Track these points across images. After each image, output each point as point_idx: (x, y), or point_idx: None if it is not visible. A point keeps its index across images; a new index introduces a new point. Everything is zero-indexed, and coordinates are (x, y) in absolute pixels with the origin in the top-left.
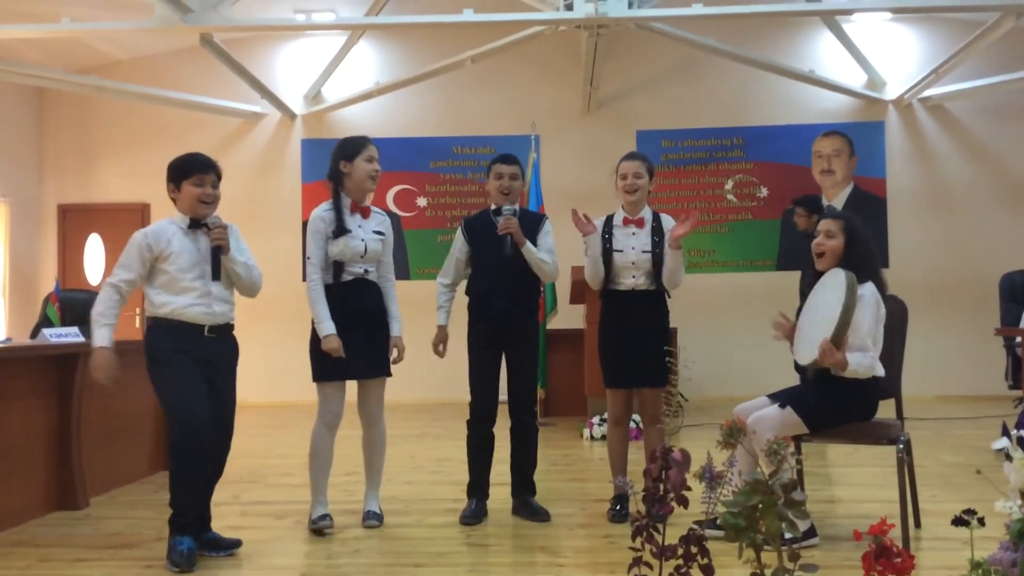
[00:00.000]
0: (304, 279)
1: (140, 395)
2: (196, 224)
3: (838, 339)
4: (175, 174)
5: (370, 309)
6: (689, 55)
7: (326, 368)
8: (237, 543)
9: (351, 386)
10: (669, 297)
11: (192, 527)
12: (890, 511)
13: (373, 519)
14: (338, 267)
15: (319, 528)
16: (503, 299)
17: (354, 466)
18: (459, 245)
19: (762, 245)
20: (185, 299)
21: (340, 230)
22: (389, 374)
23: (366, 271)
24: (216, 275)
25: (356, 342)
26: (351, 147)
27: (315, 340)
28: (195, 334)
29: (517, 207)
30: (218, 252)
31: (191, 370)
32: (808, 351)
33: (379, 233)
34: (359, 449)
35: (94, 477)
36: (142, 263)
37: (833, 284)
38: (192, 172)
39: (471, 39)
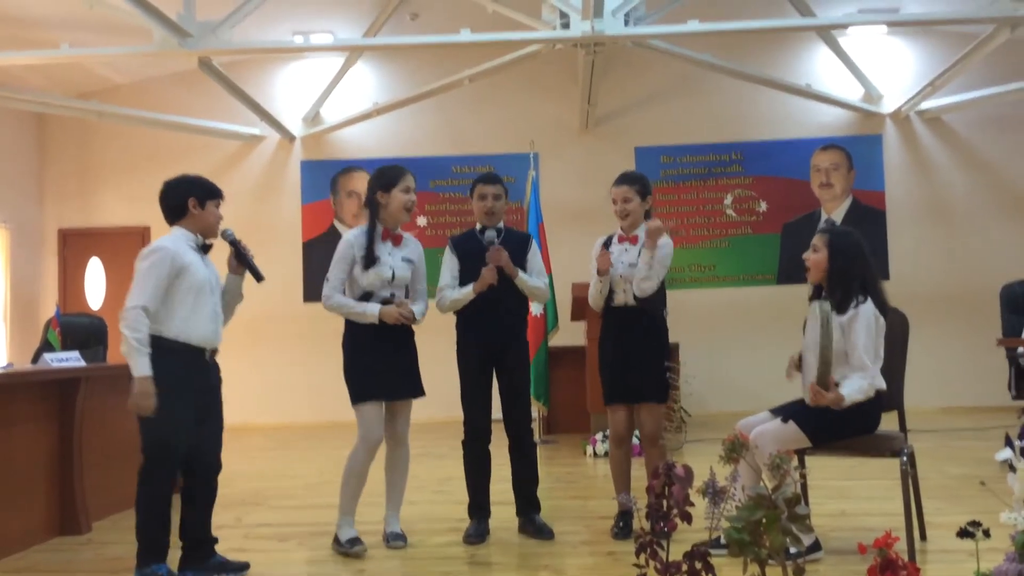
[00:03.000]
0: (305, 300)
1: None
2: (206, 247)
3: (823, 379)
4: (202, 191)
5: (399, 332)
6: (686, 71)
7: (362, 390)
8: (245, 566)
9: None
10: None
11: (164, 553)
12: (895, 524)
13: (399, 540)
14: (366, 296)
15: (350, 553)
16: (492, 318)
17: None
18: (451, 260)
19: (762, 260)
20: (196, 317)
21: (370, 260)
22: (422, 394)
23: (393, 295)
24: (259, 276)
25: (387, 363)
26: (389, 177)
27: (350, 363)
28: (196, 358)
29: (502, 226)
30: (251, 260)
31: (184, 401)
32: (807, 392)
33: (408, 261)
34: (373, 470)
35: (96, 502)
36: (168, 280)
37: (812, 323)
38: (216, 194)
39: (468, 59)
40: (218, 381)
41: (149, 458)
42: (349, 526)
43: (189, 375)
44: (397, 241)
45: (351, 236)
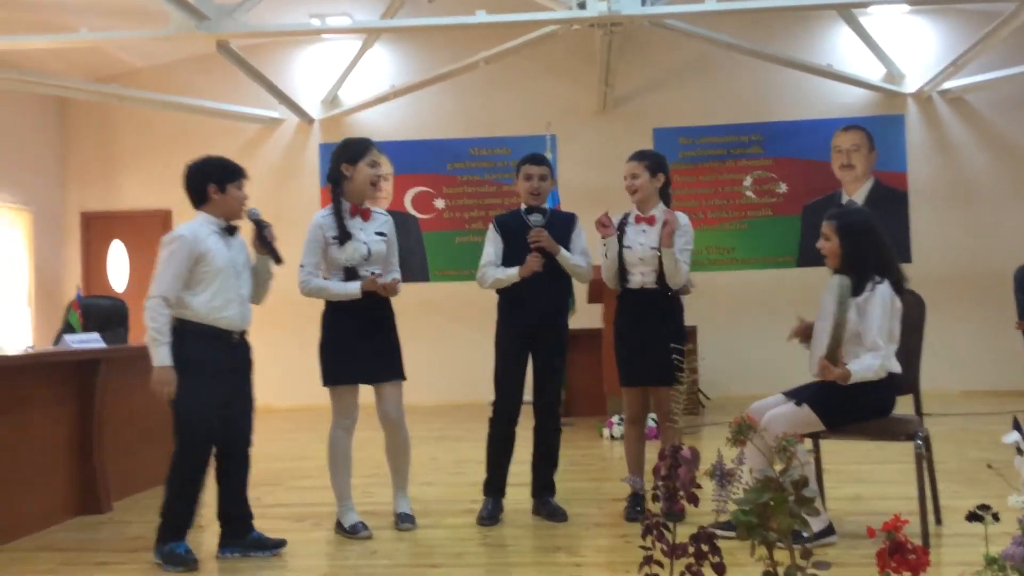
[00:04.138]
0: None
1: (160, 400)
2: (230, 229)
3: (832, 354)
4: (222, 174)
5: (378, 313)
6: (704, 51)
7: (335, 372)
8: (282, 543)
9: (367, 390)
10: (683, 295)
11: (184, 532)
12: (911, 508)
13: (407, 522)
14: (350, 273)
15: (357, 537)
16: (535, 301)
17: (373, 468)
18: (495, 238)
19: (782, 242)
20: (219, 301)
21: (344, 236)
22: (402, 377)
23: (373, 273)
24: (278, 259)
25: (364, 346)
26: (355, 149)
27: (324, 344)
28: (224, 340)
29: (548, 208)
30: (272, 243)
31: (215, 382)
32: (814, 364)
33: (381, 234)
34: (378, 451)
35: (116, 481)
36: (188, 268)
37: (828, 298)
38: (238, 176)
39: (485, 40)
40: (248, 362)
41: (180, 440)
42: (350, 510)
43: (216, 358)
44: (366, 216)
45: (318, 217)
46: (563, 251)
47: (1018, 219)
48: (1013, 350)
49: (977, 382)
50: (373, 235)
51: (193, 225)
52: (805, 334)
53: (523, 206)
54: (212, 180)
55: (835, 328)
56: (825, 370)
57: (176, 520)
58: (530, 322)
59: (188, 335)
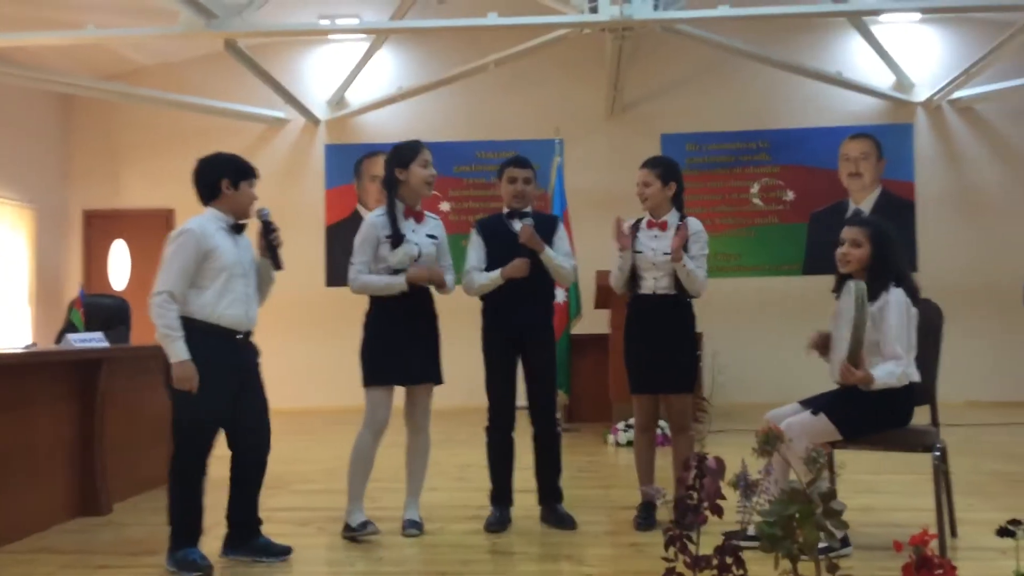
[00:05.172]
0: (327, 284)
1: (163, 401)
2: (238, 227)
3: (855, 358)
4: (236, 171)
5: (422, 314)
6: (714, 57)
7: (377, 373)
8: (288, 550)
9: (399, 391)
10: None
11: (197, 538)
12: (925, 519)
13: (413, 528)
14: (396, 274)
15: (363, 535)
16: (519, 306)
17: (380, 472)
18: (478, 242)
19: (788, 249)
20: (225, 300)
21: (397, 238)
22: (440, 381)
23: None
24: (279, 265)
25: (407, 348)
26: (406, 153)
27: (366, 344)
28: (227, 340)
29: (530, 210)
30: (276, 247)
31: (218, 384)
32: (836, 371)
33: (432, 237)
34: (387, 458)
35: (117, 483)
36: (195, 263)
37: (847, 302)
38: (251, 174)
39: (494, 43)
40: (255, 361)
41: (179, 441)
42: (359, 511)
43: (220, 357)
44: (419, 219)
45: (374, 217)
46: (548, 250)
47: None
48: (1020, 361)
49: (982, 393)
50: (424, 237)
51: (201, 220)
52: (823, 345)
53: (505, 210)
54: (226, 175)
55: (855, 330)
56: (848, 373)
57: (185, 525)
58: (517, 325)
59: (192, 333)
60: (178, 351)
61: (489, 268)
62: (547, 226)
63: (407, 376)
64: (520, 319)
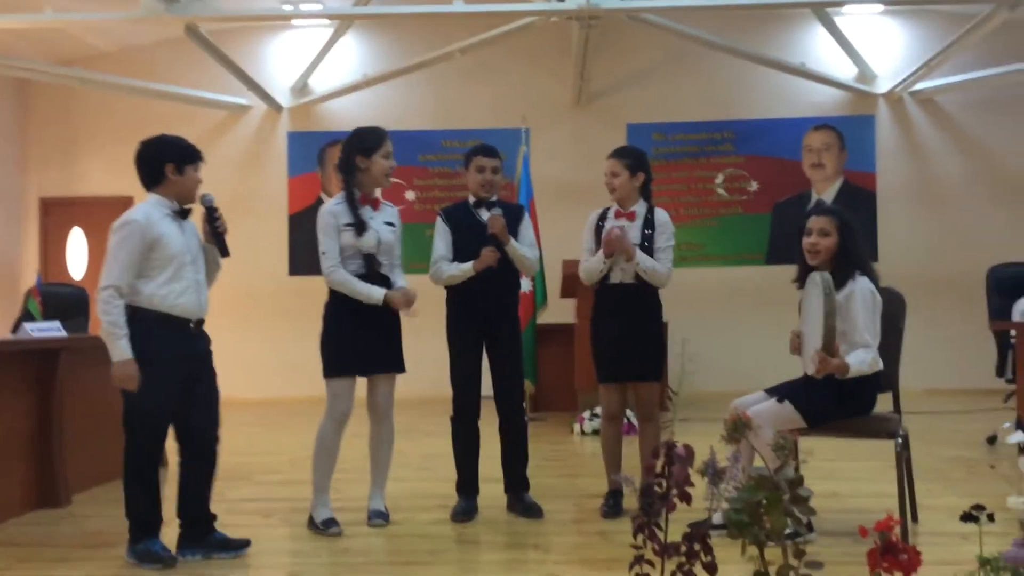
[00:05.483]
0: (290, 273)
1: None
2: (183, 212)
3: (828, 347)
4: (181, 155)
5: (384, 306)
6: (680, 48)
7: (338, 364)
8: (246, 543)
9: (360, 381)
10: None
11: (157, 529)
12: (887, 505)
13: (379, 518)
14: (366, 259)
15: (326, 535)
16: (486, 295)
17: (344, 463)
18: (445, 231)
19: (752, 239)
20: (176, 288)
21: (360, 226)
22: (402, 370)
23: (380, 264)
24: (225, 252)
25: (367, 338)
26: (370, 142)
27: (326, 335)
28: (179, 328)
29: (496, 199)
30: (222, 234)
31: (169, 374)
32: (810, 363)
33: (390, 224)
34: (351, 448)
35: (76, 474)
36: (141, 254)
37: (813, 292)
38: (196, 158)
39: (460, 31)
40: (207, 351)
41: (131, 431)
42: (324, 506)
43: (171, 346)
44: (376, 206)
45: (332, 206)
46: (513, 242)
47: (985, 221)
48: (977, 349)
49: (941, 381)
50: (383, 225)
51: (145, 208)
52: (796, 348)
53: (471, 199)
54: (170, 159)
55: (827, 318)
56: (823, 363)
57: (143, 517)
58: (483, 315)
59: (141, 323)
60: (121, 350)
61: (455, 257)
62: (513, 216)
63: (368, 366)
64: (487, 309)
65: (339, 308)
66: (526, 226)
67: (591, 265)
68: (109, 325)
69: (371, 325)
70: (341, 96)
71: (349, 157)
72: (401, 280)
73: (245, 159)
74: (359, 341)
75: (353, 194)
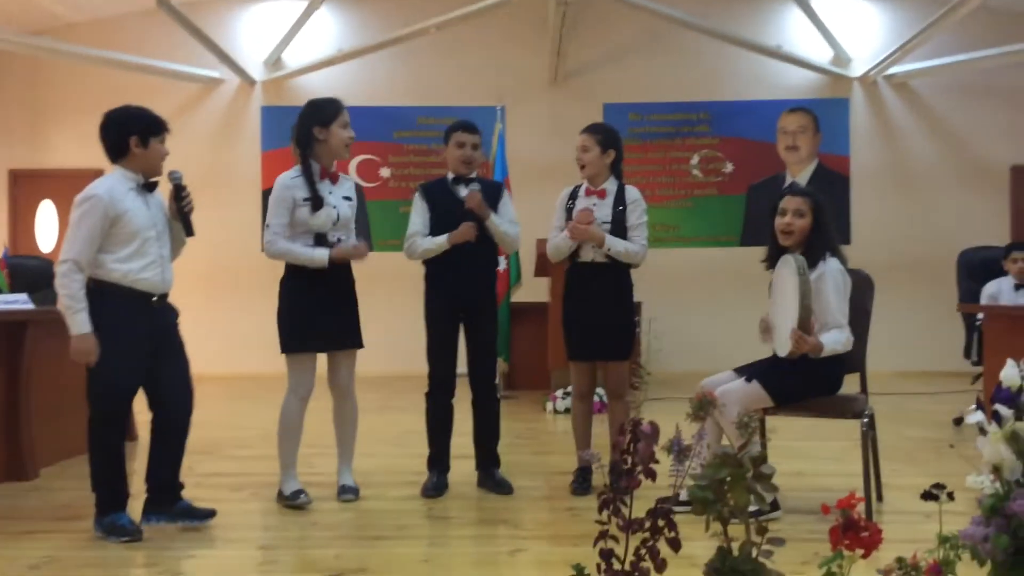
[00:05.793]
0: (263, 249)
1: None
2: (149, 185)
3: (804, 325)
4: (146, 127)
5: (339, 280)
6: (657, 28)
7: (294, 340)
8: (212, 513)
9: (321, 358)
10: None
11: (124, 502)
12: (853, 484)
13: (349, 493)
14: (319, 239)
15: (296, 504)
16: (463, 273)
17: (314, 438)
18: (422, 206)
19: (726, 221)
20: (139, 263)
21: (317, 202)
22: (360, 345)
23: (339, 240)
24: (190, 231)
25: (324, 314)
26: (327, 112)
27: (283, 312)
28: (142, 303)
29: (475, 175)
30: (188, 213)
31: (133, 348)
32: (783, 344)
33: (348, 199)
34: (321, 422)
35: (44, 447)
36: (102, 230)
37: (786, 273)
38: (161, 129)
39: (437, 6)
40: (172, 323)
41: (95, 405)
42: (292, 479)
43: (134, 319)
44: (334, 180)
45: (287, 179)
46: (493, 216)
47: (956, 205)
48: (947, 332)
49: (911, 363)
50: (341, 199)
51: (109, 182)
52: (767, 331)
53: (450, 175)
54: (134, 132)
55: (803, 298)
56: (800, 341)
57: (109, 490)
58: (460, 292)
59: (105, 297)
60: (80, 323)
61: (433, 234)
62: (493, 192)
63: (326, 342)
64: (464, 287)
65: (294, 284)
66: (505, 203)
67: (558, 243)
68: (67, 299)
69: (328, 302)
70: (315, 71)
71: (306, 129)
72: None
73: (218, 133)
74: (316, 317)
75: (310, 168)
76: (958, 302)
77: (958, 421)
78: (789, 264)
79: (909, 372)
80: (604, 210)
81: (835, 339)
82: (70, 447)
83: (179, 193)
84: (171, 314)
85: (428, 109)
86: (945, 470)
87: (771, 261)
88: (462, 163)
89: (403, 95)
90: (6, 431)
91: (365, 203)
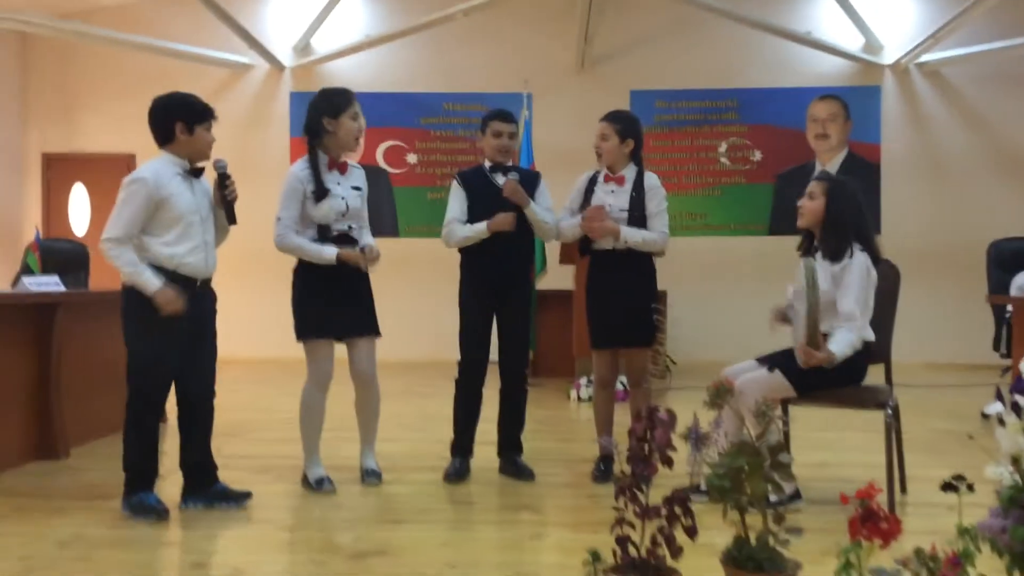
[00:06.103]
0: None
1: (121, 345)
2: (195, 171)
3: (812, 341)
4: (191, 114)
5: (353, 270)
6: (685, 14)
7: (309, 326)
8: (247, 495)
9: (340, 348)
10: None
11: (152, 482)
12: (876, 476)
13: (373, 476)
14: (323, 230)
15: (321, 491)
16: (498, 259)
17: (339, 422)
18: (460, 193)
19: (754, 210)
20: (184, 247)
21: (321, 192)
22: (376, 333)
23: (350, 228)
24: (232, 219)
25: (340, 301)
26: (337, 102)
27: (297, 300)
28: (187, 287)
29: (511, 164)
30: (231, 201)
31: (174, 330)
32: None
33: (357, 189)
34: (345, 406)
35: (74, 427)
36: (147, 212)
37: (800, 282)
38: (208, 116)
39: None
40: (212, 309)
41: (134, 386)
42: (316, 464)
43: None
44: (343, 170)
45: (297, 170)
46: (532, 205)
47: (988, 194)
48: (977, 323)
49: (939, 354)
50: (350, 190)
51: (155, 166)
52: (784, 317)
53: (487, 164)
54: (180, 119)
55: (809, 312)
56: (809, 357)
57: (140, 470)
58: (496, 281)
59: None
60: (149, 283)
61: (470, 221)
62: (530, 181)
63: (338, 330)
64: (501, 274)
65: (307, 274)
66: (543, 192)
67: (568, 227)
68: (127, 266)
69: (340, 291)
70: (343, 57)
71: (315, 119)
72: (369, 240)
73: (248, 119)
74: (330, 306)
75: (317, 157)
76: (988, 293)
77: (987, 415)
78: (800, 272)
79: (937, 363)
80: (622, 197)
81: (845, 343)
82: (100, 427)
83: (223, 181)
84: (211, 299)
85: (454, 95)
86: (970, 461)
87: (802, 249)
88: (499, 152)
89: (430, 81)
90: (37, 411)
91: (392, 190)
